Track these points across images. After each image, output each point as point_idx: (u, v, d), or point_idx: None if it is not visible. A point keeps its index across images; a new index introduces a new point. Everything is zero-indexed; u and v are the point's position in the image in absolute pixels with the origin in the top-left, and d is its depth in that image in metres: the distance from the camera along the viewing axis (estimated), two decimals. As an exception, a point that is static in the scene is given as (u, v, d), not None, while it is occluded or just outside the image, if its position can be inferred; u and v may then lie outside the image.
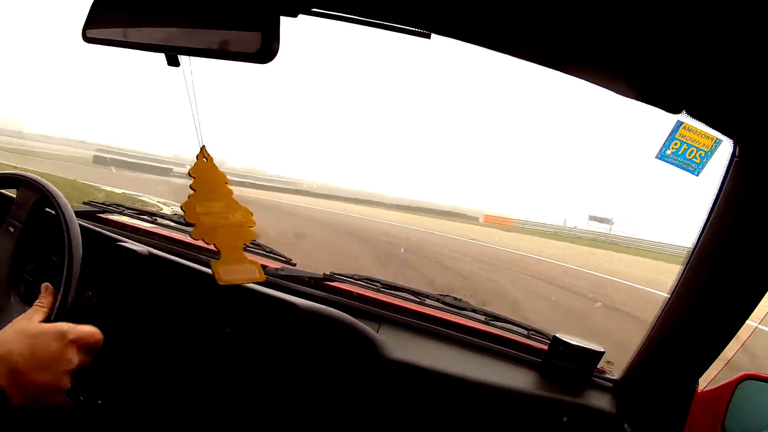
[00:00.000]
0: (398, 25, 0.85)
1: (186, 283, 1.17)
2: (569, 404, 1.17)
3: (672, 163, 0.91)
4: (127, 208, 1.46)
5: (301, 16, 0.79)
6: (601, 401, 1.20)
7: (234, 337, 1.14)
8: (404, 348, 1.20)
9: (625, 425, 1.16)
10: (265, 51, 0.73)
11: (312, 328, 1.14)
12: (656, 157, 0.92)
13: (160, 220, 1.43)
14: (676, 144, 0.90)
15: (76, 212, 1.32)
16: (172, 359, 1.16)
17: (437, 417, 1.16)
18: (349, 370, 1.15)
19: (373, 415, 1.16)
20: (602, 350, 1.23)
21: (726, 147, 0.90)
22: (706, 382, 1.15)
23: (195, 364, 1.15)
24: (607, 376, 1.27)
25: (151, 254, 1.20)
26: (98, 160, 20.11)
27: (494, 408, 1.16)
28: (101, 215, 1.45)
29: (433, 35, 0.84)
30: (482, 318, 1.34)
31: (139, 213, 1.45)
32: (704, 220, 0.98)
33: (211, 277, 1.12)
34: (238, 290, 1.14)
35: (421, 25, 0.81)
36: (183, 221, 1.41)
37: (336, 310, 1.17)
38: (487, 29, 0.80)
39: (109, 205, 1.46)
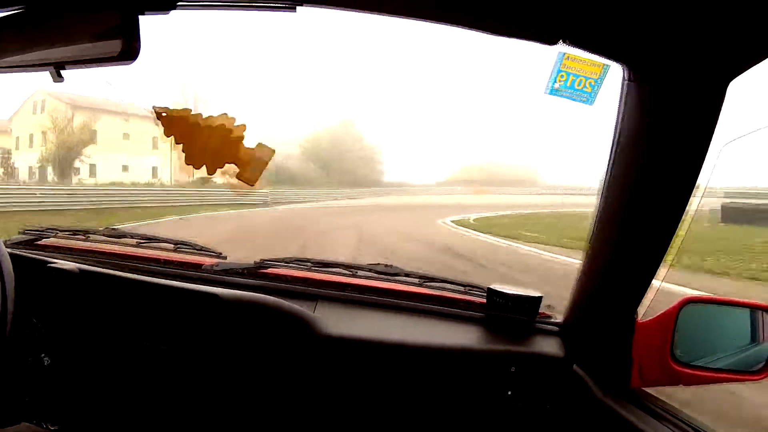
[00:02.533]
0: (263, 4, 0.85)
1: (119, 293, 1.17)
2: (516, 354, 1.17)
3: (563, 96, 0.90)
4: (61, 231, 1.45)
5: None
6: (547, 346, 1.20)
7: (169, 338, 1.14)
8: (342, 323, 1.20)
9: (574, 366, 1.16)
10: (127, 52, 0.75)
11: (239, 316, 1.14)
12: (546, 93, 0.91)
13: (92, 236, 1.43)
14: (562, 76, 0.89)
15: (13, 243, 1.32)
16: (115, 370, 1.16)
17: (383, 386, 1.16)
18: (282, 353, 1.14)
19: (316, 393, 1.16)
20: (540, 295, 1.22)
21: (616, 71, 0.89)
22: (647, 313, 1.14)
23: (136, 370, 1.15)
24: (552, 320, 1.27)
25: (81, 270, 1.19)
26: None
27: (440, 369, 1.16)
28: (38, 242, 1.45)
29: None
30: (416, 281, 1.34)
31: (72, 233, 1.45)
32: (610, 150, 0.97)
33: (143, 284, 1.12)
34: (168, 291, 1.14)
35: None
36: (115, 234, 1.42)
37: (264, 296, 1.17)
38: None
39: (44, 231, 1.45)
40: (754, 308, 1.16)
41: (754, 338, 1.16)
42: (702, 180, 0.90)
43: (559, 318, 1.27)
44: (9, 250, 1.18)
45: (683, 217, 0.95)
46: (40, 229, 1.49)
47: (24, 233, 1.48)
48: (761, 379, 1.12)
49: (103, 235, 1.45)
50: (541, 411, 1.18)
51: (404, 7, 0.81)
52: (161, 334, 1.13)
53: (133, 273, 1.22)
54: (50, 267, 1.19)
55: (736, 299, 1.14)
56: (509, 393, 1.18)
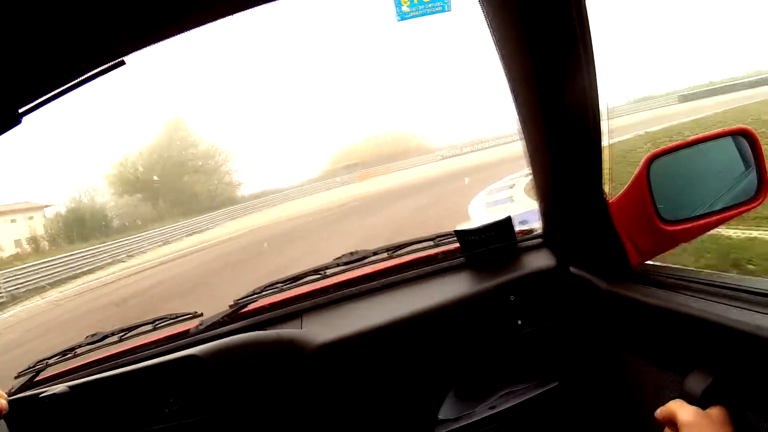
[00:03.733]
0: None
1: (109, 391, 1.16)
2: (511, 281, 1.12)
3: (417, 15, 0.85)
4: (48, 359, 1.45)
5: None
6: (538, 261, 1.15)
7: (168, 414, 1.12)
8: (331, 327, 1.16)
9: (571, 269, 1.10)
10: None
11: (227, 364, 1.11)
12: (399, 20, 0.85)
13: (79, 350, 1.43)
14: (405, -6, 0.83)
15: (16, 390, 1.33)
16: None
17: (394, 368, 1.12)
18: (280, 381, 1.11)
19: (321, 405, 1.12)
20: (507, 215, 1.17)
21: (457, -33, 0.84)
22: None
23: None
24: (533, 234, 1.21)
25: (71, 388, 1.19)
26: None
27: (443, 328, 1.11)
28: (37, 379, 1.45)
29: None
30: (385, 255, 1.29)
31: (61, 355, 1.45)
32: (497, 52, 0.92)
33: (126, 374, 1.12)
34: (150, 370, 1.12)
35: None
36: (97, 339, 1.41)
37: (242, 335, 1.14)
38: None
39: (34, 366, 1.45)
40: (723, 136, 1.08)
41: (737, 167, 1.08)
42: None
43: (538, 229, 1.21)
44: (13, 397, 1.21)
45: (597, 86, 0.89)
46: (31, 366, 1.49)
47: (19, 376, 1.48)
48: (759, 203, 1.05)
49: (88, 345, 1.45)
50: (555, 326, 1.12)
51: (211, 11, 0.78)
52: (159, 413, 1.12)
53: (126, 366, 1.22)
54: (42, 397, 1.20)
55: (698, 136, 1.07)
56: (519, 322, 1.12)
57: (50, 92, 0.87)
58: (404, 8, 0.84)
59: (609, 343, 1.06)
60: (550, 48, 0.86)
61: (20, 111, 0.86)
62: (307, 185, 24.66)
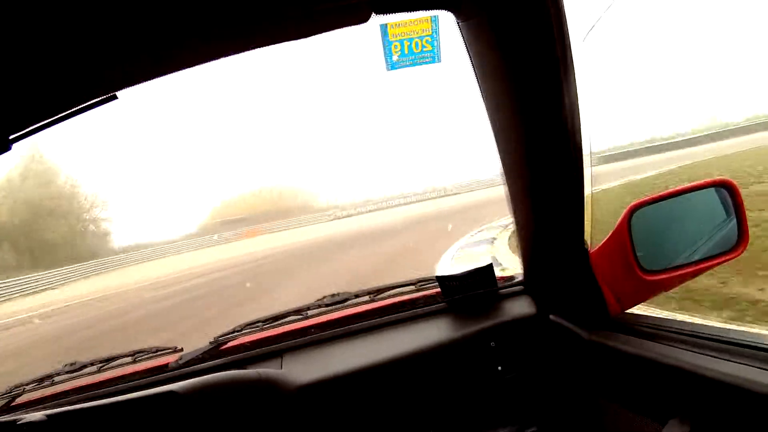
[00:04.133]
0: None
1: (90, 422, 1.15)
2: (491, 328, 1.12)
3: (407, 65, 0.87)
4: (26, 385, 1.43)
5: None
6: (518, 308, 1.15)
7: None
8: (311, 368, 1.15)
9: (551, 317, 1.11)
10: None
11: (206, 402, 1.10)
12: (388, 69, 0.87)
13: (57, 377, 1.41)
14: (396, 47, 0.85)
15: None
16: None
17: (375, 410, 1.11)
18: (256, 423, 1.09)
19: None
20: (489, 262, 1.18)
21: (446, 19, 0.86)
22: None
23: None
24: (513, 281, 1.22)
25: (48, 416, 1.17)
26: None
27: (423, 372, 1.11)
28: (13, 404, 1.43)
29: None
30: (367, 298, 1.29)
31: (38, 382, 1.42)
32: (483, 102, 0.93)
33: (105, 406, 1.10)
34: (129, 404, 1.10)
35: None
36: (76, 368, 1.40)
37: (223, 373, 1.13)
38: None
39: (11, 391, 1.43)
40: (705, 188, 1.10)
41: (718, 217, 1.10)
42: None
43: (519, 276, 1.22)
44: None
45: (581, 135, 0.91)
46: (8, 391, 1.47)
47: None
48: (739, 254, 1.06)
49: (66, 373, 1.43)
50: (536, 372, 1.12)
51: (211, 53, 0.80)
52: None
53: (104, 398, 1.20)
54: (19, 424, 1.18)
55: (679, 188, 1.09)
56: (500, 368, 1.12)
57: (41, 121, 0.88)
58: (395, 57, 0.86)
59: (588, 390, 1.06)
60: (535, 98, 0.88)
61: (11, 138, 0.86)
62: (182, 242, 21.21)
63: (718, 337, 0.84)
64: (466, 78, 0.90)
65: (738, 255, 1.06)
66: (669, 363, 0.85)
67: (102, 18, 0.73)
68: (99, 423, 1.15)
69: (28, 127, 0.87)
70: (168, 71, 0.85)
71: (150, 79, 0.87)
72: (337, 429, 1.11)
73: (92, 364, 1.39)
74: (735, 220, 1.08)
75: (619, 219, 1.05)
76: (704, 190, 1.10)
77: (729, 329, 0.88)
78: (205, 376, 1.13)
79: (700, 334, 0.87)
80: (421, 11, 0.83)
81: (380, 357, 1.12)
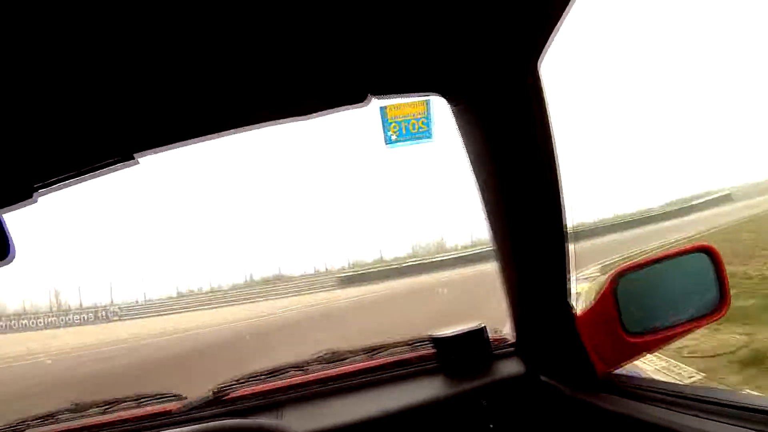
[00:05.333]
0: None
1: None
2: (483, 387, 1.16)
3: (404, 144, 0.94)
4: (29, 421, 1.45)
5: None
6: (509, 368, 1.19)
7: None
8: (309, 420, 1.19)
9: (541, 377, 1.15)
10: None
11: None
12: (388, 146, 0.94)
13: (61, 416, 1.43)
14: (394, 126, 0.93)
15: None
16: None
17: None
18: None
19: None
20: (481, 324, 1.23)
21: (440, 103, 0.93)
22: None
23: None
24: (505, 342, 1.27)
25: None
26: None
27: (416, 429, 1.14)
28: None
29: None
30: (363, 355, 1.34)
31: (42, 420, 1.45)
32: (475, 180, 1.00)
33: None
34: None
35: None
36: (81, 408, 1.43)
37: (223, 421, 1.17)
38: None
39: (15, 426, 1.46)
40: (687, 253, 1.16)
41: (700, 281, 1.15)
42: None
43: (510, 338, 1.27)
44: None
45: (563, 210, 0.97)
46: (12, 426, 1.49)
47: None
48: (722, 316, 1.11)
49: (70, 412, 1.45)
50: (526, 430, 1.15)
51: (216, 126, 0.87)
52: None
53: None
54: None
55: (663, 253, 1.15)
56: (491, 426, 1.16)
57: (66, 176, 0.94)
58: (392, 137, 0.93)
59: None
60: (519, 177, 0.95)
61: (36, 186, 0.92)
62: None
63: (703, 398, 0.87)
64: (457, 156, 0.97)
65: (720, 316, 1.11)
66: (653, 422, 0.88)
67: (128, 89, 0.81)
68: None
69: (53, 179, 0.93)
70: (181, 141, 0.92)
71: (170, 148, 0.94)
72: None
73: (97, 406, 1.41)
74: (717, 283, 1.13)
75: (605, 283, 1.10)
76: (687, 256, 1.15)
77: (714, 389, 0.91)
78: (207, 423, 1.16)
79: (687, 395, 0.91)
80: (415, 95, 0.91)
81: (376, 412, 1.16)
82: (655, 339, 1.09)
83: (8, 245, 0.83)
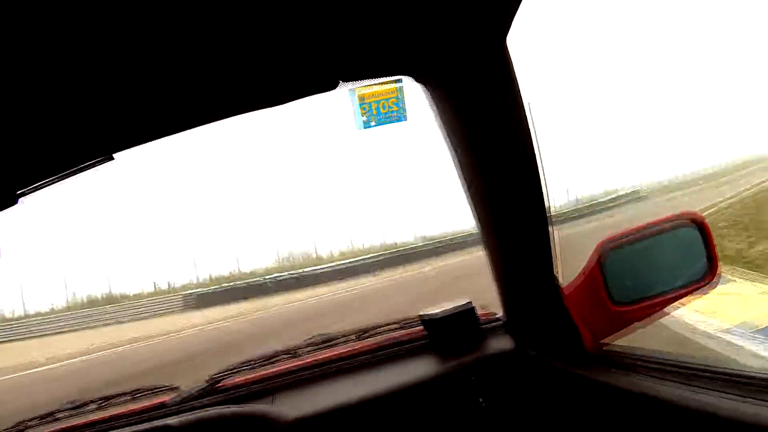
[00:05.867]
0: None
1: None
2: (473, 364, 1.17)
3: (376, 125, 0.94)
4: (28, 421, 1.49)
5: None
6: (498, 344, 1.20)
7: None
8: (301, 404, 1.20)
9: (530, 352, 1.15)
10: None
11: None
12: (358, 129, 0.94)
13: (58, 414, 1.47)
14: (364, 108, 0.93)
15: None
16: None
17: None
18: None
19: None
20: (468, 301, 1.23)
21: (410, 84, 0.93)
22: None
23: None
24: (494, 318, 1.27)
25: None
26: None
27: (408, 407, 1.16)
28: None
29: None
30: (353, 337, 1.35)
31: (40, 419, 1.49)
32: (453, 160, 1.00)
33: None
34: None
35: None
36: (77, 405, 1.46)
37: (217, 408, 1.19)
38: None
39: (14, 427, 1.50)
40: (674, 221, 1.15)
41: (688, 250, 1.14)
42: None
43: (499, 314, 1.27)
44: None
45: (542, 184, 0.97)
46: (11, 427, 1.53)
47: None
48: (708, 284, 1.10)
49: (68, 410, 1.49)
50: (516, 405, 1.16)
51: (189, 120, 0.88)
52: None
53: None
54: None
55: (649, 222, 1.13)
56: (481, 401, 1.17)
57: (47, 178, 0.96)
58: (363, 119, 0.93)
59: (565, 421, 1.10)
60: (494, 152, 0.95)
61: (18, 192, 0.94)
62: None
63: (693, 367, 0.87)
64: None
65: (707, 285, 1.10)
66: (643, 392, 0.89)
67: (101, 89, 0.82)
68: None
69: (34, 183, 0.96)
70: (154, 137, 0.93)
71: (145, 143, 0.95)
72: None
73: (93, 402, 1.45)
74: (705, 252, 1.12)
75: (590, 255, 1.10)
76: (674, 224, 1.14)
77: (705, 359, 0.91)
78: (201, 412, 1.19)
79: (677, 364, 0.91)
80: (383, 78, 0.91)
81: (367, 393, 1.18)
82: (641, 307, 1.08)
83: None
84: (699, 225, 1.13)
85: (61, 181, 1.00)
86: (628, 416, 0.92)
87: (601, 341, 1.10)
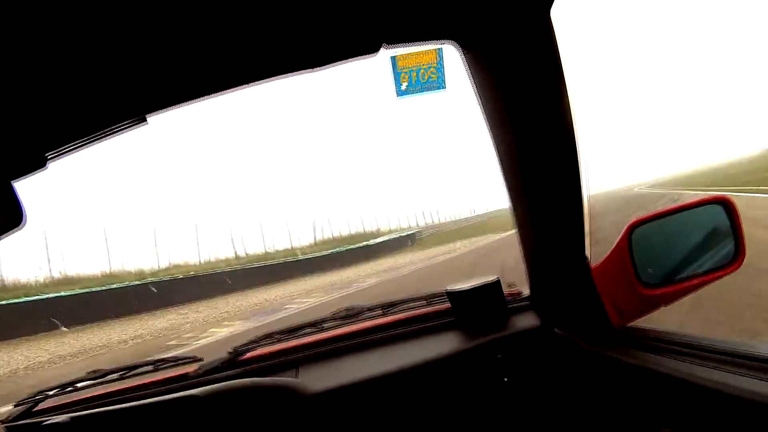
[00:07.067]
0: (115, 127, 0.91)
1: (113, 425, 1.19)
2: (497, 340, 1.17)
3: (415, 93, 0.93)
4: (49, 390, 1.48)
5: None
6: (523, 321, 1.19)
7: None
8: (325, 377, 1.20)
9: (555, 330, 1.15)
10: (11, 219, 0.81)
11: (225, 407, 1.14)
12: (397, 97, 0.93)
13: (80, 384, 1.45)
14: (404, 76, 0.92)
15: (12, 418, 1.36)
16: None
17: (384, 418, 1.16)
18: (273, 428, 1.14)
19: None
20: (496, 278, 1.22)
21: (450, 51, 0.92)
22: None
23: None
24: (520, 296, 1.26)
25: (72, 419, 1.22)
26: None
27: (431, 383, 1.16)
28: (35, 409, 1.47)
29: None
30: (379, 312, 1.34)
31: (61, 389, 1.47)
32: (489, 132, 0.99)
33: (129, 409, 1.15)
34: (152, 407, 1.15)
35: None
36: (99, 375, 1.44)
37: (242, 380, 1.18)
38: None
39: (34, 397, 1.48)
40: (703, 205, 1.14)
41: (715, 233, 1.14)
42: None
43: (525, 291, 1.26)
44: (10, 424, 1.23)
45: (579, 160, 0.96)
46: (31, 396, 1.52)
47: (19, 405, 1.51)
48: (736, 268, 1.10)
49: (89, 380, 1.47)
50: (541, 383, 1.16)
51: (228, 82, 0.86)
52: None
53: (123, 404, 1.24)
54: (43, 426, 1.22)
55: (678, 205, 1.13)
56: (505, 380, 1.16)
57: (77, 141, 0.94)
58: (403, 86, 0.92)
59: (588, 399, 1.10)
60: (533, 125, 0.94)
61: (47, 156, 0.92)
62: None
63: (721, 350, 0.87)
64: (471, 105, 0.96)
65: (735, 269, 1.10)
66: (669, 373, 0.88)
67: (135, 48, 0.80)
68: (123, 425, 1.19)
69: (64, 146, 0.94)
70: (192, 98, 0.91)
71: (178, 106, 0.93)
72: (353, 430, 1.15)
73: (114, 372, 1.43)
74: (732, 236, 1.11)
75: (620, 235, 1.09)
76: (703, 207, 1.14)
77: (734, 342, 0.90)
78: (225, 383, 1.18)
79: (704, 347, 0.91)
80: (427, 43, 0.89)
81: (391, 367, 1.17)
82: (670, 291, 1.08)
83: (21, 212, 0.84)
84: (727, 206, 1.12)
85: (92, 144, 0.98)
86: (655, 397, 0.92)
87: (627, 322, 1.10)
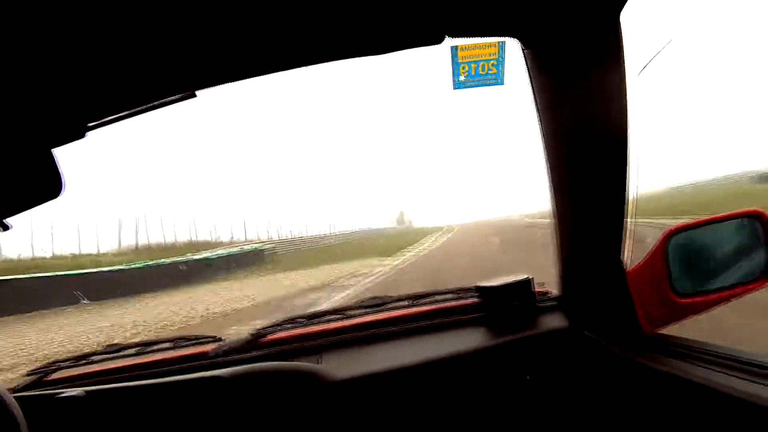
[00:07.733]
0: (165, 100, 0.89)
1: (128, 403, 1.18)
2: (524, 338, 1.17)
3: (472, 86, 0.91)
4: (63, 362, 1.46)
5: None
6: (552, 321, 1.20)
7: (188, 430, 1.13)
8: (348, 365, 1.20)
9: (585, 332, 1.15)
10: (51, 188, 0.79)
11: (248, 389, 1.14)
12: (454, 88, 0.91)
13: (95, 357, 1.43)
14: (464, 68, 0.90)
15: (23, 387, 1.34)
16: None
17: (406, 410, 1.16)
18: (295, 412, 1.14)
19: None
20: (527, 276, 1.22)
21: (512, 46, 0.90)
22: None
23: None
24: (549, 296, 1.26)
25: (87, 393, 1.20)
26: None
27: (455, 377, 1.16)
28: (46, 379, 1.46)
29: None
30: (407, 303, 1.34)
31: (75, 360, 1.45)
32: (539, 126, 0.98)
33: (149, 387, 1.13)
34: (174, 386, 1.14)
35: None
36: (114, 349, 1.42)
37: (266, 363, 1.18)
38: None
39: (48, 366, 1.46)
40: (738, 217, 1.15)
41: (749, 245, 1.14)
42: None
43: (555, 291, 1.26)
44: (20, 393, 1.20)
45: (628, 166, 0.95)
46: (43, 366, 1.50)
47: (30, 375, 1.49)
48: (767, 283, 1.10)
49: (104, 353, 1.45)
50: (565, 385, 1.16)
51: (293, 60, 0.84)
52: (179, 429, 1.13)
53: (140, 380, 1.23)
54: (58, 398, 1.21)
55: (716, 215, 1.13)
56: (528, 378, 1.17)
57: (120, 112, 0.91)
58: (461, 78, 0.90)
59: (614, 404, 1.10)
60: (586, 126, 0.93)
61: (88, 125, 0.90)
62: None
63: (745, 359, 0.87)
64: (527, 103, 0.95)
65: (766, 284, 1.11)
66: (703, 384, 0.88)
67: (188, 21, 0.77)
68: (142, 403, 1.18)
69: (106, 117, 0.91)
70: (247, 76, 0.89)
71: (229, 82, 0.91)
72: (370, 423, 1.16)
73: (131, 347, 1.42)
74: (765, 250, 1.12)
75: (656, 242, 1.10)
76: (737, 220, 1.14)
77: (757, 353, 0.91)
78: (249, 365, 1.17)
79: (729, 356, 0.91)
80: (489, 36, 0.88)
81: (416, 359, 1.17)
82: (702, 300, 1.09)
83: (60, 181, 0.83)
84: (762, 220, 1.13)
85: (135, 116, 0.95)
86: (688, 406, 0.93)
87: (658, 329, 1.11)
